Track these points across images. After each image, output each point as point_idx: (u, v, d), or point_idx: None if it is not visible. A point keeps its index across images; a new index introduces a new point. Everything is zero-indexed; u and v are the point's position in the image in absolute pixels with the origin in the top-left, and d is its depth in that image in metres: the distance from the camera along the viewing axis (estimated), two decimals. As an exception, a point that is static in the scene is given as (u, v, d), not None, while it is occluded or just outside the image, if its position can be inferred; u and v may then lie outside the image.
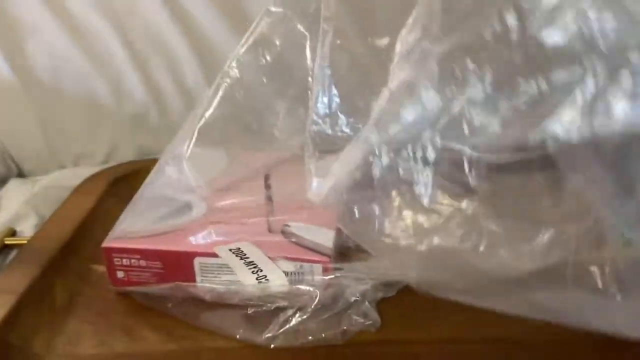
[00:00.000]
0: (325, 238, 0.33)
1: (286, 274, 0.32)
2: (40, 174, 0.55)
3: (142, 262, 0.33)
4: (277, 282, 0.32)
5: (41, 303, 0.32)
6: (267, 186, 0.38)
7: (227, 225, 0.34)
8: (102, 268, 0.36)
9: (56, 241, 0.37)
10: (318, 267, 0.32)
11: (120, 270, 0.33)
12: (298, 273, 0.32)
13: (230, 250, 0.33)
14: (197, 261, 0.33)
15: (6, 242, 0.41)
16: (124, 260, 0.33)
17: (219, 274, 0.33)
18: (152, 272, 0.33)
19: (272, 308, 0.31)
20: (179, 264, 0.33)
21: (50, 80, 0.54)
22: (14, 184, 0.52)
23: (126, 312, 0.32)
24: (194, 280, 0.33)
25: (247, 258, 0.33)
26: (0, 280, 0.34)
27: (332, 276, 0.31)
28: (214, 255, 0.32)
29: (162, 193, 0.37)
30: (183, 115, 0.56)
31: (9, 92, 0.54)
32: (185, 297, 0.32)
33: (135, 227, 0.34)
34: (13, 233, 0.43)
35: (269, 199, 0.37)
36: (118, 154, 0.55)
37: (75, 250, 0.37)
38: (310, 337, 0.29)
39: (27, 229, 0.43)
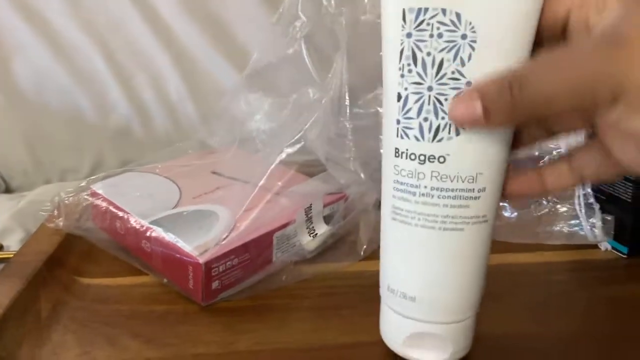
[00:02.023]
0: (313, 185, 0.39)
1: (326, 220, 0.39)
2: (28, 189, 0.56)
3: (235, 260, 0.34)
4: (321, 230, 0.39)
5: (26, 315, 0.33)
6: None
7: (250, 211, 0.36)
8: (86, 280, 0.37)
9: (41, 254, 0.38)
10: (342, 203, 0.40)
11: (216, 280, 0.34)
12: (331, 215, 0.40)
13: (305, 208, 0.38)
14: (276, 236, 0.36)
15: (-7, 257, 0.42)
16: (221, 267, 0.34)
17: (287, 241, 0.37)
18: (241, 267, 0.35)
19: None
20: (261, 247, 0.36)
21: (35, 97, 0.55)
22: (0, 200, 0.53)
23: (109, 322, 0.33)
24: (271, 258, 0.37)
25: (310, 212, 0.38)
26: (-14, 294, 0.34)
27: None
28: (288, 224, 0.37)
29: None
30: (167, 128, 0.58)
31: (-5, 109, 0.55)
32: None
33: (199, 242, 0.34)
34: (0, 247, 0.44)
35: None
36: (103, 168, 0.56)
37: (60, 263, 0.38)
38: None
39: (13, 243, 0.44)
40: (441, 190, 0.24)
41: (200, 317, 0.33)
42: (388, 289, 0.27)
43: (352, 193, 0.41)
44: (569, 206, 0.39)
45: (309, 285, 0.36)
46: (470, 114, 0.21)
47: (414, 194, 0.24)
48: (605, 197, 0.39)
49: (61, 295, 0.35)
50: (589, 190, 0.38)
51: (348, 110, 0.39)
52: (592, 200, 0.38)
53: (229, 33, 0.55)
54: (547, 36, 0.23)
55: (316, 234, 0.39)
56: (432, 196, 0.24)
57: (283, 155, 0.36)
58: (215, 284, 0.34)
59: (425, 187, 0.24)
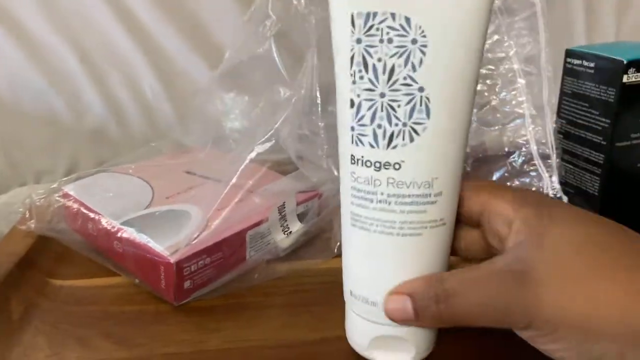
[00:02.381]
0: (286, 183, 0.40)
1: (300, 218, 0.39)
2: (3, 192, 0.55)
3: (207, 260, 0.34)
4: (295, 228, 0.39)
5: (-3, 317, 0.33)
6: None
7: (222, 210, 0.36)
8: (58, 281, 0.37)
9: (13, 256, 0.38)
10: (316, 201, 0.41)
11: (187, 279, 0.33)
12: (305, 213, 0.40)
13: (278, 207, 0.37)
14: (248, 235, 0.36)
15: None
16: (192, 266, 0.34)
17: (260, 240, 0.37)
18: (213, 266, 0.35)
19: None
20: (234, 246, 0.36)
21: (8, 99, 0.54)
22: (-26, 203, 0.53)
23: (81, 323, 0.33)
24: (245, 256, 0.37)
25: (284, 210, 0.38)
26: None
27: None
28: (261, 222, 0.37)
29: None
30: (143, 128, 0.57)
31: (-33, 112, 0.54)
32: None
33: (171, 242, 0.34)
34: (-28, 250, 0.43)
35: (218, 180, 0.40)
36: (79, 169, 0.56)
37: (32, 265, 0.38)
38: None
39: (-14, 246, 0.44)
40: (398, 197, 0.24)
41: (173, 316, 0.33)
42: (351, 294, 0.27)
43: (326, 190, 0.41)
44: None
45: (282, 282, 0.36)
46: (402, 314, 0.24)
47: (371, 200, 0.24)
48: (573, 191, 0.39)
49: (33, 297, 0.35)
50: (557, 185, 0.38)
51: (320, 109, 0.39)
52: (560, 194, 0.39)
53: (204, 32, 0.55)
54: (465, 224, 0.26)
55: (290, 231, 0.39)
56: (389, 203, 0.24)
57: (253, 154, 0.36)
58: (187, 284, 0.34)
59: (382, 193, 0.24)
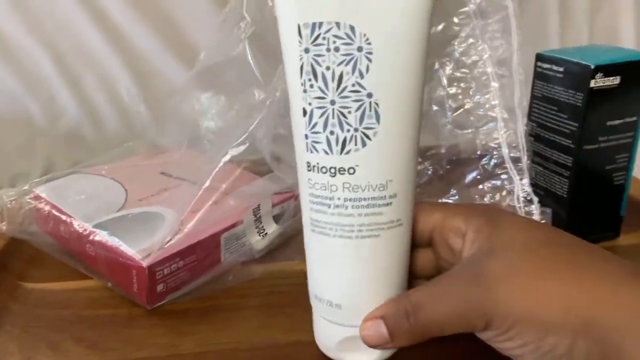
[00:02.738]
0: (261, 185, 0.40)
1: (275, 219, 0.39)
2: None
3: (181, 263, 0.34)
4: (270, 230, 0.39)
5: (-34, 322, 0.33)
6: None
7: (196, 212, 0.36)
8: (30, 284, 0.37)
9: (-17, 259, 0.38)
10: (292, 202, 0.41)
11: (160, 283, 0.33)
12: (281, 214, 0.40)
13: (253, 209, 0.38)
14: (223, 237, 0.36)
15: None
16: (165, 270, 0.33)
17: (235, 241, 0.37)
18: (187, 269, 0.34)
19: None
20: (208, 249, 0.36)
21: (-18, 101, 0.54)
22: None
23: (52, 327, 0.33)
24: (220, 258, 0.37)
25: (259, 212, 0.38)
26: None
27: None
28: (236, 224, 0.37)
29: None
30: (119, 130, 0.57)
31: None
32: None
33: (144, 245, 0.34)
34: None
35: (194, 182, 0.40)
36: (55, 171, 0.55)
37: (4, 267, 0.38)
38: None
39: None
40: (354, 201, 0.24)
41: (146, 320, 0.33)
42: (315, 298, 0.27)
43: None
44: (510, 199, 0.41)
45: (257, 284, 0.37)
46: (379, 337, 0.25)
47: (329, 206, 0.25)
48: (543, 192, 0.40)
49: (4, 301, 0.35)
50: (528, 188, 0.39)
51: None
52: (531, 195, 0.39)
53: (180, 32, 0.55)
54: (419, 246, 0.28)
55: (266, 233, 0.39)
56: (346, 207, 0.24)
57: (227, 157, 0.36)
58: (160, 287, 0.34)
59: (339, 198, 0.24)
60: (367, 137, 0.23)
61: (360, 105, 0.23)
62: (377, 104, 0.23)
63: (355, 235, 0.25)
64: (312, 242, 0.26)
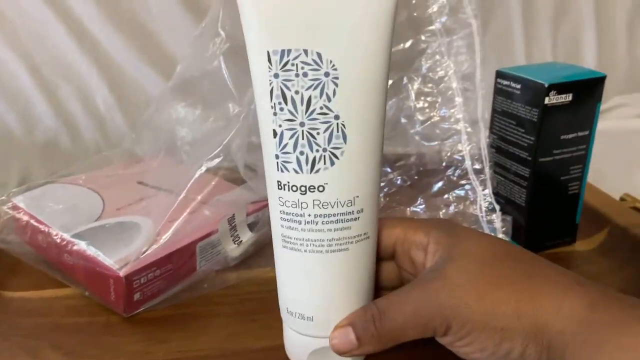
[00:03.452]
0: (239, 194, 0.41)
1: (250, 227, 0.41)
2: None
3: (157, 272, 0.35)
4: (245, 237, 0.40)
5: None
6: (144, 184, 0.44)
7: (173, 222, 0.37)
8: (9, 293, 0.37)
9: (-38, 269, 0.38)
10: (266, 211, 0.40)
11: (137, 291, 0.34)
12: (256, 222, 0.41)
13: (227, 218, 0.39)
14: (199, 246, 0.38)
15: None
16: (142, 279, 0.34)
17: (211, 250, 0.39)
18: (163, 278, 0.36)
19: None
20: (184, 257, 0.37)
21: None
22: None
23: (31, 335, 0.34)
24: (195, 267, 0.38)
25: (234, 221, 0.39)
26: None
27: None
28: (211, 234, 0.38)
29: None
30: (95, 140, 0.58)
31: None
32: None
33: (121, 255, 0.35)
34: None
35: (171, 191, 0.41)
36: (31, 181, 0.55)
37: (-18, 277, 0.38)
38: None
39: None
40: (324, 217, 0.26)
41: (122, 328, 0.34)
42: (287, 312, 0.28)
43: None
44: (473, 208, 0.43)
45: (232, 291, 0.38)
46: (347, 344, 0.26)
47: (300, 222, 0.26)
48: (504, 201, 0.42)
49: (-18, 310, 0.36)
50: (490, 198, 0.41)
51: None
52: (493, 204, 0.41)
53: (155, 43, 0.56)
54: (383, 258, 0.29)
55: (241, 241, 0.41)
56: (317, 223, 0.26)
57: (203, 169, 0.37)
58: (137, 296, 0.35)
59: (309, 215, 0.26)
60: (335, 156, 0.25)
61: (329, 127, 0.25)
62: (344, 125, 0.25)
63: (326, 250, 0.26)
64: (283, 258, 0.27)
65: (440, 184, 0.42)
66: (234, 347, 0.33)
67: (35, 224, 0.38)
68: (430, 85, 0.44)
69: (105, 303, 0.36)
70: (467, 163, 0.41)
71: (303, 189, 0.25)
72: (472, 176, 0.41)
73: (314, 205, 0.25)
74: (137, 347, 0.33)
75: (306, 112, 0.24)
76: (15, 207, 0.40)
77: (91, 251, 0.35)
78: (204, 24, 0.43)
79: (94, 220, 0.38)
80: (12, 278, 0.39)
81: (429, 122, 0.44)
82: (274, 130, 0.25)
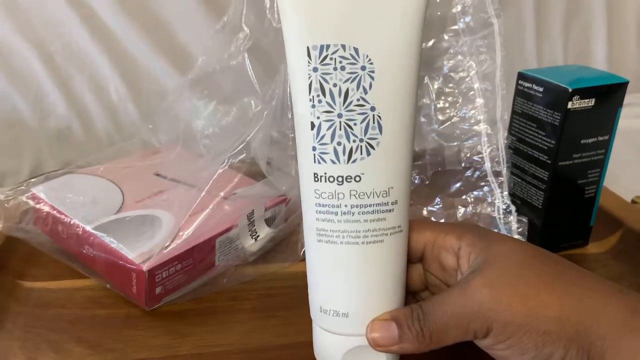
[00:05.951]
0: (259, 189, 0.41)
1: (267, 223, 0.41)
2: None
3: (178, 266, 0.35)
4: (263, 233, 0.41)
5: (-34, 321, 0.33)
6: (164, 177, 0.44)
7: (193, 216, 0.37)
8: (28, 283, 0.38)
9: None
10: (283, 206, 0.43)
11: (159, 285, 0.35)
12: (273, 218, 0.42)
13: (247, 214, 0.39)
14: (218, 241, 0.38)
15: None
16: (164, 273, 0.35)
17: (229, 245, 0.39)
18: (184, 272, 0.36)
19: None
20: (204, 252, 0.37)
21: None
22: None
23: (52, 327, 0.34)
24: (214, 262, 0.38)
25: (253, 217, 0.40)
26: None
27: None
28: (230, 228, 0.38)
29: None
30: (107, 130, 0.57)
31: None
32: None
33: (143, 249, 0.35)
34: None
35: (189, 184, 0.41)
36: (43, 170, 0.55)
37: (1, 266, 0.38)
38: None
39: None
40: (360, 207, 0.26)
41: (144, 321, 0.35)
42: (320, 311, 0.28)
43: (294, 196, 0.43)
44: (490, 209, 0.43)
45: (251, 287, 0.38)
46: (389, 338, 0.26)
47: (336, 213, 0.26)
48: (520, 202, 0.42)
49: (3, 300, 0.36)
50: (508, 200, 0.41)
51: (291, 113, 0.40)
52: (511, 207, 0.42)
53: (169, 33, 0.56)
54: (410, 260, 0.29)
55: (258, 236, 0.41)
56: (353, 213, 0.26)
57: (226, 166, 0.37)
58: (158, 290, 0.35)
59: (346, 205, 0.26)
60: (371, 146, 0.26)
61: (365, 118, 0.25)
62: (379, 116, 0.26)
63: (362, 241, 0.26)
64: (317, 253, 0.28)
65: (458, 184, 0.43)
66: (255, 344, 0.33)
67: (57, 214, 0.38)
68: (451, 85, 0.44)
69: (126, 296, 0.36)
70: (487, 165, 0.41)
71: (340, 179, 0.26)
72: (491, 178, 0.41)
73: (350, 195, 0.26)
74: (159, 341, 0.33)
75: (344, 103, 0.25)
76: (35, 197, 0.40)
77: (113, 244, 0.35)
78: (226, 17, 0.43)
79: (115, 213, 0.38)
80: (32, 268, 0.39)
81: (449, 122, 0.44)
82: (312, 122, 0.26)
